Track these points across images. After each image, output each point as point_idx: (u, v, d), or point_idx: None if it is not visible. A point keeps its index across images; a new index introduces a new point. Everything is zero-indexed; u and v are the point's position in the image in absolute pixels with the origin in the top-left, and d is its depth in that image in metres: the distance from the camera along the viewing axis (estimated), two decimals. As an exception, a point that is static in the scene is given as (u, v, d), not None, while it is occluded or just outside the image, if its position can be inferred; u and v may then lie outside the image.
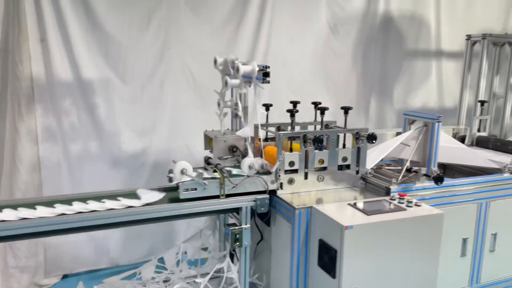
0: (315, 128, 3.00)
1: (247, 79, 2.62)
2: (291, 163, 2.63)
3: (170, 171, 2.55)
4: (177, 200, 2.44)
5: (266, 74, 2.52)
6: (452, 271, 2.93)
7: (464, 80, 3.93)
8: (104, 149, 3.51)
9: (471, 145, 3.63)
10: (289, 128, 2.80)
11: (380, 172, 3.00)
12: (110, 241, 3.64)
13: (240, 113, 2.74)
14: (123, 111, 3.52)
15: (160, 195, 2.48)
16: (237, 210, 2.58)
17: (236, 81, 2.63)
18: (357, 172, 2.82)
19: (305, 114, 3.12)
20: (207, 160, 2.77)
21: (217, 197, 2.50)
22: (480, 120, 3.64)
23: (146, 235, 3.66)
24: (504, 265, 3.13)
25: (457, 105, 4.07)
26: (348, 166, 2.79)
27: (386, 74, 4.61)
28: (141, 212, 2.36)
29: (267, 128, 3.02)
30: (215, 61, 2.79)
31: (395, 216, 2.29)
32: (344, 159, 2.76)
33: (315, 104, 3.02)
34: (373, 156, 2.96)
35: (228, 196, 2.52)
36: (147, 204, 2.39)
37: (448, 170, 3.44)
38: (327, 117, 3.05)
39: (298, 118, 3.07)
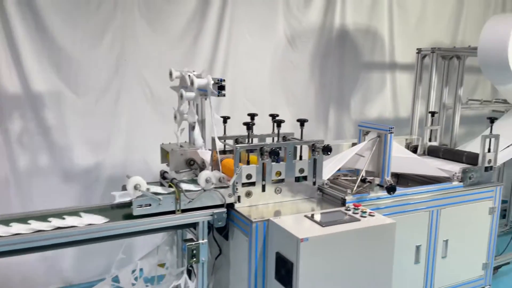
0: (273, 140, 3.02)
1: (203, 92, 2.61)
2: (249, 176, 2.63)
3: (124, 187, 2.48)
4: (131, 216, 2.38)
5: (222, 87, 2.51)
6: (407, 278, 3.01)
7: (415, 92, 4.09)
8: (56, 163, 3.38)
9: (423, 154, 3.77)
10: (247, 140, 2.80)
11: (337, 183, 3.05)
12: (63, 259, 3.49)
13: (196, 126, 2.72)
14: (76, 124, 3.41)
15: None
16: (194, 225, 2.54)
17: (191, 94, 2.61)
18: (314, 183, 2.85)
19: (265, 126, 3.15)
20: (163, 175, 2.72)
21: (173, 212, 2.45)
22: (431, 130, 3.79)
23: (100, 252, 3.53)
24: (455, 270, 3.24)
25: (410, 115, 4.23)
26: (305, 178, 2.82)
27: (343, 85, 4.73)
28: (95, 231, 2.27)
29: (225, 140, 3.01)
30: (171, 74, 2.76)
31: (349, 227, 2.33)
32: (301, 170, 2.79)
33: (273, 116, 3.04)
34: (330, 167, 3.01)
35: (184, 211, 2.47)
36: (107, 221, 2.31)
37: (402, 179, 3.54)
38: (287, 128, 3.09)
39: (259, 129, 3.10)
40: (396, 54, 4.90)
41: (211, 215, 2.52)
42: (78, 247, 3.30)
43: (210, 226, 2.59)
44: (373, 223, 2.39)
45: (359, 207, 2.58)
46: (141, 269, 2.94)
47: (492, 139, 3.23)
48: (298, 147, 2.88)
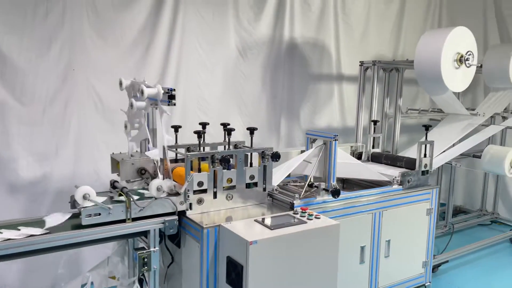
0: (224, 148, 3.10)
1: (153, 101, 2.65)
2: (200, 183, 2.69)
3: (72, 197, 2.46)
4: (80, 226, 2.36)
5: (172, 97, 2.57)
6: (352, 278, 3.18)
7: (359, 102, 4.33)
8: (-1, 175, 3.26)
9: (367, 160, 4.00)
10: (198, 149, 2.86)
11: (286, 189, 3.17)
12: (7, 274, 3.34)
13: (148, 135, 2.75)
14: (21, 135, 3.31)
15: (64, 217, 2.39)
16: (145, 233, 2.55)
17: (141, 104, 2.64)
18: (264, 189, 2.96)
19: (218, 135, 3.22)
20: (113, 184, 2.71)
21: (123, 221, 2.46)
22: (374, 138, 4.03)
23: (49, 265, 3.42)
24: (398, 268, 3.46)
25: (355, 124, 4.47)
26: (255, 184, 2.92)
27: (294, 96, 4.90)
28: (38, 242, 2.23)
29: (176, 149, 3.05)
30: (121, 83, 2.78)
31: (296, 229, 2.45)
32: (252, 177, 2.89)
33: (224, 125, 3.13)
34: (279, 173, 3.14)
35: (135, 219, 2.49)
36: (47, 233, 2.27)
37: (348, 184, 3.74)
38: (240, 137, 3.18)
39: (212, 139, 3.17)
40: (342, 67, 5.16)
41: (163, 222, 2.55)
42: (24, 260, 3.23)
43: (162, 234, 2.62)
44: (318, 224, 2.53)
45: (306, 211, 2.70)
46: (91, 282, 2.90)
47: (428, 145, 3.50)
48: (249, 154, 2.99)
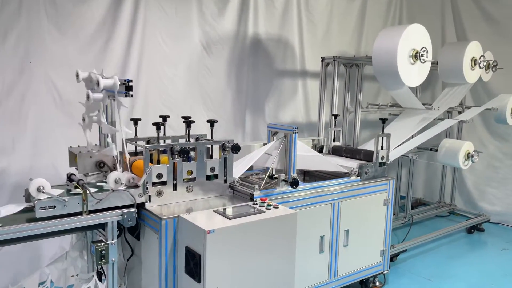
0: (186, 141, 3.11)
1: (110, 93, 2.63)
2: (159, 175, 2.69)
3: (27, 190, 2.42)
4: (35, 219, 2.32)
5: (129, 88, 2.56)
6: (312, 267, 3.26)
7: (321, 97, 4.43)
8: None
9: (328, 153, 4.10)
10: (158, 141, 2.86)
11: (247, 180, 3.22)
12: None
13: (106, 128, 2.73)
14: (-25, 129, 3.22)
15: (17, 208, 2.35)
16: (103, 226, 2.54)
17: (98, 95, 2.62)
18: (225, 181, 2.99)
19: (180, 129, 3.22)
20: (69, 177, 2.68)
21: (80, 214, 2.44)
22: (335, 131, 4.14)
23: (5, 262, 3.34)
24: (357, 257, 3.57)
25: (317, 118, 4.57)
26: (216, 176, 2.95)
27: (259, 91, 4.96)
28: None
29: (136, 142, 3.04)
30: (77, 75, 2.74)
31: (254, 218, 2.50)
32: (212, 169, 2.91)
33: (185, 118, 3.14)
34: (241, 166, 3.18)
35: (93, 212, 2.47)
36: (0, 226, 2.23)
37: (310, 176, 3.83)
38: (204, 131, 3.20)
39: (175, 133, 3.17)
40: (306, 63, 5.25)
41: (121, 215, 2.54)
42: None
43: (122, 227, 2.61)
44: (276, 214, 2.59)
45: (265, 201, 2.76)
46: (51, 281, 2.84)
47: (385, 138, 3.63)
48: (210, 147, 3.01)
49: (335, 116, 4.14)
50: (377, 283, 3.83)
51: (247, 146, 3.68)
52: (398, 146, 4.10)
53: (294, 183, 2.97)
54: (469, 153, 4.54)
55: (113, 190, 2.54)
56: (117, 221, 2.54)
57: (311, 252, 3.24)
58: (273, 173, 3.22)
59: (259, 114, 5.00)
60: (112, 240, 2.52)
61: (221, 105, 4.68)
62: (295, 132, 3.14)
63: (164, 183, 2.73)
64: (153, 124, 2.81)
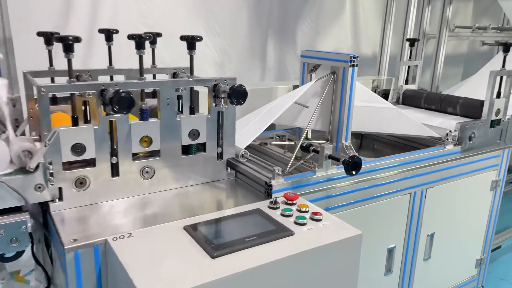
0: (140, 79, 1.72)
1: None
2: (78, 147, 1.33)
3: None
4: None
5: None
6: (372, 300, 1.92)
7: (387, 13, 2.83)
8: None
9: (397, 102, 2.60)
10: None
11: (264, 152, 1.83)
12: None
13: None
14: None
15: None
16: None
17: None
18: (220, 156, 1.61)
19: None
20: None
21: None
22: (409, 67, 2.59)
23: None
24: (440, 273, 2.19)
25: (378, 51, 3.00)
26: (203, 147, 1.57)
27: (287, 10, 3.42)
28: None
29: (53, 78, 1.66)
30: None
31: (268, 255, 1.11)
32: (194, 134, 1.53)
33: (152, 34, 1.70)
34: (251, 127, 1.77)
35: None
36: None
37: (366, 141, 2.38)
38: (210, 70, 1.97)
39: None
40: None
41: (-6, 229, 1.23)
42: None
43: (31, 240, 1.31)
44: (319, 238, 1.20)
45: (294, 201, 1.38)
46: None
47: (506, 78, 2.09)
48: (187, 89, 1.62)
49: (412, 41, 2.54)
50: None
51: (266, 89, 2.26)
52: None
53: (353, 166, 1.50)
54: None
55: (-30, 181, 1.21)
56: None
57: (371, 274, 1.88)
58: (309, 138, 1.82)
59: (287, 41, 3.51)
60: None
61: (233, 28, 3.19)
62: (354, 65, 1.69)
63: (90, 162, 1.37)
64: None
